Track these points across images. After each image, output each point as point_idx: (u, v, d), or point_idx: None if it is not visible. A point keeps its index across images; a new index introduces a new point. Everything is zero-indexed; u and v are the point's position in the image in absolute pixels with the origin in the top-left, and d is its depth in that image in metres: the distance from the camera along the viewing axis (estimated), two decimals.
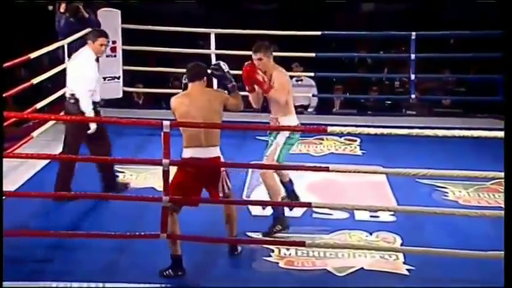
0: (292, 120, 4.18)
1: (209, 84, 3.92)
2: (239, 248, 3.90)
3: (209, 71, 3.88)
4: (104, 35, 4.72)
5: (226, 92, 3.87)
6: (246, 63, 4.11)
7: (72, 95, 4.65)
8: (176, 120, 3.72)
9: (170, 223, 3.67)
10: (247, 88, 4.14)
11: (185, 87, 3.84)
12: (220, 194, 3.78)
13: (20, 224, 4.14)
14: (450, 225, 4.20)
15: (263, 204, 4.39)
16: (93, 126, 4.61)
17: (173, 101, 3.77)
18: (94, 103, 4.66)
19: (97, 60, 4.69)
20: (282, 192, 4.25)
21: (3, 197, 4.34)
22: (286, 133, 4.13)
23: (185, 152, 3.73)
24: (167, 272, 3.65)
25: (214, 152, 3.74)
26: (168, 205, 3.65)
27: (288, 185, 4.39)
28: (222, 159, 3.80)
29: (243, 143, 5.72)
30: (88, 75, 4.60)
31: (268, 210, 4.30)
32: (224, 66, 3.91)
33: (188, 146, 3.72)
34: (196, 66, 3.85)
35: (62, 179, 4.61)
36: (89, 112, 4.58)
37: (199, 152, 3.71)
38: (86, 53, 4.68)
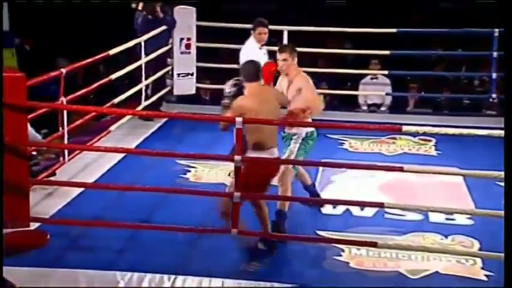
0: (309, 120, 4.12)
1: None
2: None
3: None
4: (261, 24, 5.17)
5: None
6: (267, 62, 4.11)
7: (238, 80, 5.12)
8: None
9: (264, 211, 3.76)
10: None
11: (240, 89, 3.80)
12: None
13: (97, 214, 4.28)
14: None
15: (334, 202, 4.34)
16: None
17: (241, 103, 3.68)
18: None
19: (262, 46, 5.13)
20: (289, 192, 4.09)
21: (83, 189, 4.52)
22: (299, 140, 4.08)
23: (255, 154, 3.68)
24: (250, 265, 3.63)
25: (277, 151, 3.77)
26: (239, 201, 3.67)
27: (311, 188, 4.37)
28: None
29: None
30: (242, 59, 4.93)
31: (338, 209, 4.26)
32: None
33: (262, 148, 3.67)
34: (252, 65, 3.81)
35: None
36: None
37: (273, 152, 3.71)
38: (249, 42, 5.20)
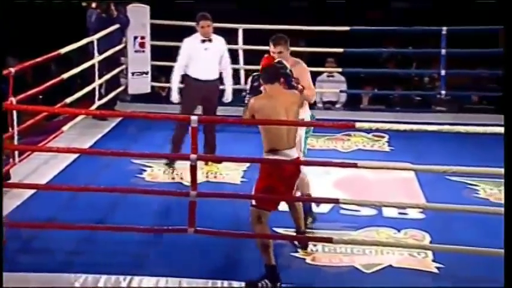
0: (308, 111, 4.20)
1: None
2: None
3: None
4: (204, 18, 5.16)
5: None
6: (264, 55, 4.10)
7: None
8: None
9: (259, 229, 3.57)
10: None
11: (256, 89, 3.72)
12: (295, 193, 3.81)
13: (50, 216, 4.20)
14: (481, 223, 4.12)
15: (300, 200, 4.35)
16: (174, 96, 5.32)
17: (252, 103, 3.63)
18: (194, 79, 5.17)
19: (209, 41, 5.14)
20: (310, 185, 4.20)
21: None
22: (308, 118, 4.16)
23: (271, 155, 3.61)
24: (263, 283, 3.49)
25: (295, 152, 3.69)
26: (195, 200, 3.66)
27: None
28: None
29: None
30: (180, 52, 5.21)
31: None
32: (286, 64, 3.89)
33: (275, 149, 3.60)
34: (272, 67, 3.74)
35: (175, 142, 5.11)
36: (172, 82, 5.29)
37: (287, 154, 3.61)
38: (193, 36, 5.20)
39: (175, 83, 5.28)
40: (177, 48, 5.49)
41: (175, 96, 5.31)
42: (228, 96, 5.39)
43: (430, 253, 3.87)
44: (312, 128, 4.31)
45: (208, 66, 5.17)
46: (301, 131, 4.11)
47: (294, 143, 3.67)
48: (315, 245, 3.96)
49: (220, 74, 5.35)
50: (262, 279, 3.52)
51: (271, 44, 4.13)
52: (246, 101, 3.74)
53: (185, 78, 5.25)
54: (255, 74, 3.80)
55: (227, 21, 6.79)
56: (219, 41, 5.23)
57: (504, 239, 2.73)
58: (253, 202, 3.63)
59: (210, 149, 5.22)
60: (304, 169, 4.04)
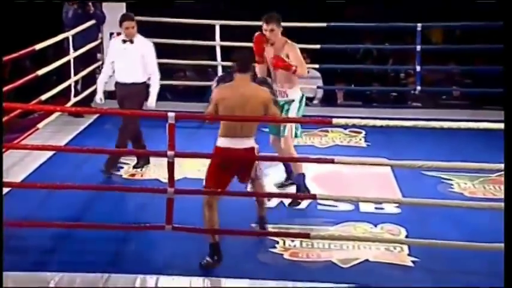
0: (299, 90, 4.38)
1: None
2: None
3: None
4: (127, 18, 4.99)
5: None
6: (256, 33, 4.14)
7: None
8: (217, 110, 3.63)
9: (208, 214, 3.65)
10: (256, 58, 4.16)
11: (230, 76, 3.72)
12: (252, 176, 3.83)
13: (25, 214, 4.15)
14: (455, 217, 4.19)
15: (272, 196, 4.40)
16: (98, 96, 5.08)
17: (215, 91, 3.65)
18: (117, 82, 5.02)
19: (131, 41, 4.94)
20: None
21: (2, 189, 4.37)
22: (297, 103, 4.32)
23: (220, 140, 3.69)
24: (205, 261, 3.62)
25: (248, 142, 3.70)
26: (173, 197, 3.65)
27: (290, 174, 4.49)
28: (256, 150, 3.76)
29: None
30: (109, 57, 5.05)
31: (273, 202, 4.32)
32: (269, 80, 4.06)
33: (224, 135, 3.68)
34: (248, 57, 3.72)
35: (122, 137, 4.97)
36: (98, 88, 5.08)
37: (234, 142, 3.65)
38: (117, 37, 5.07)
39: (100, 83, 5.05)
40: (155, 44, 5.42)
41: (98, 97, 5.05)
42: (151, 102, 4.98)
43: (405, 247, 3.91)
44: (303, 105, 4.42)
45: (127, 68, 4.88)
46: (293, 113, 4.31)
47: (250, 134, 3.69)
48: (292, 241, 3.97)
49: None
50: (204, 259, 3.63)
51: (263, 22, 4.21)
52: (210, 100, 3.74)
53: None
54: (220, 75, 3.85)
55: (204, 18, 6.80)
56: (141, 43, 4.93)
57: (504, 239, 2.76)
58: (204, 184, 3.72)
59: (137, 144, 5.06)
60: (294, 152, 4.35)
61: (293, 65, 4.21)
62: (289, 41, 4.31)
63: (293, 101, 4.38)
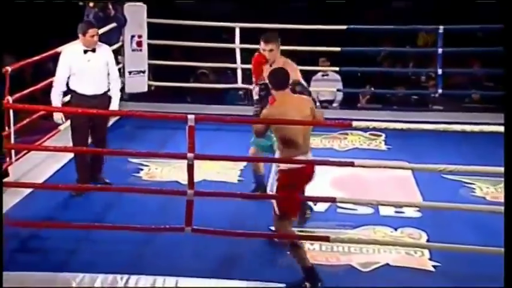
0: None
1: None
2: None
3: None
4: (93, 26, 4.64)
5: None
6: (255, 53, 4.06)
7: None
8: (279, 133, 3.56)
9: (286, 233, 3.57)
10: (254, 79, 4.12)
11: (264, 98, 3.67)
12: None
13: (47, 215, 4.20)
14: (477, 221, 4.14)
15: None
16: (56, 116, 4.63)
17: (267, 113, 3.55)
18: (81, 95, 4.59)
19: (92, 51, 4.58)
20: None
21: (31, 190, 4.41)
22: None
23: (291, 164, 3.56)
24: (304, 285, 3.50)
25: (310, 157, 3.66)
26: (192, 198, 3.66)
27: (260, 179, 4.44)
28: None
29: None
30: (59, 64, 4.60)
31: None
32: (303, 81, 3.90)
33: (289, 155, 3.56)
34: (281, 72, 3.65)
35: (78, 171, 4.66)
36: (54, 103, 4.58)
37: (302, 159, 3.56)
38: (72, 45, 4.72)
39: (57, 101, 4.60)
40: (175, 47, 5.46)
41: (59, 116, 4.65)
42: (115, 107, 4.71)
43: (426, 251, 3.88)
44: None
45: (95, 80, 4.57)
46: None
47: (309, 143, 3.65)
48: (312, 244, 3.96)
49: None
50: (302, 283, 3.51)
51: (262, 42, 4.13)
52: (255, 112, 3.70)
53: (71, 94, 4.65)
54: (261, 82, 3.77)
55: (225, 21, 6.82)
56: (103, 50, 4.65)
57: (504, 238, 2.73)
58: (277, 211, 3.58)
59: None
60: None
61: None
62: (289, 61, 4.18)
63: None
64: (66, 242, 3.90)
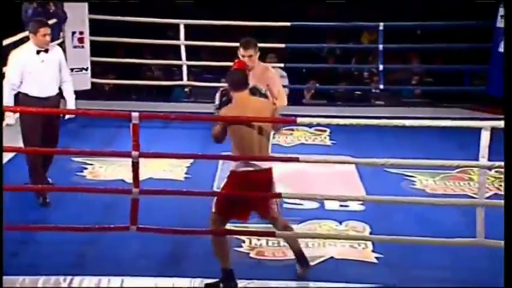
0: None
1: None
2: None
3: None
4: (45, 24, 4.47)
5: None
6: (235, 60, 3.97)
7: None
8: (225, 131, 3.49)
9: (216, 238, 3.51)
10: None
11: (228, 100, 3.57)
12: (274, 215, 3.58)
13: None
14: (418, 213, 4.27)
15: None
16: (8, 119, 4.41)
17: (223, 114, 3.50)
18: (34, 97, 4.39)
19: (45, 51, 4.40)
20: None
21: None
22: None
23: (237, 164, 3.49)
24: (220, 286, 3.48)
25: (267, 163, 3.55)
26: (138, 197, 3.62)
27: None
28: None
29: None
30: (9, 66, 4.39)
31: None
32: (261, 88, 3.82)
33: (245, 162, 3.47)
34: (238, 73, 3.59)
35: (32, 172, 4.48)
36: (6, 104, 4.28)
37: (254, 163, 3.48)
38: (24, 46, 4.52)
39: (9, 103, 4.35)
40: (118, 44, 5.33)
41: (12, 118, 4.48)
42: (72, 106, 4.63)
43: (370, 244, 3.97)
44: None
45: (48, 81, 4.40)
46: None
47: (266, 152, 3.56)
48: (258, 239, 3.99)
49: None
50: (219, 283, 3.51)
51: (241, 48, 4.03)
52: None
53: (20, 97, 4.41)
54: (222, 88, 3.70)
55: (167, 17, 6.77)
56: (56, 50, 4.52)
57: (504, 237, 2.81)
58: (213, 209, 3.56)
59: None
60: None
61: (273, 95, 3.95)
62: (270, 69, 4.12)
63: None
64: (7, 244, 3.75)
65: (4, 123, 4.39)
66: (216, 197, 3.62)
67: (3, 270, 3.07)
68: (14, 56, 4.44)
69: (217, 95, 3.74)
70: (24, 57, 4.38)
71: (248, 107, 3.48)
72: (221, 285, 3.53)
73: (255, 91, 3.76)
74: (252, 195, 3.54)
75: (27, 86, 4.38)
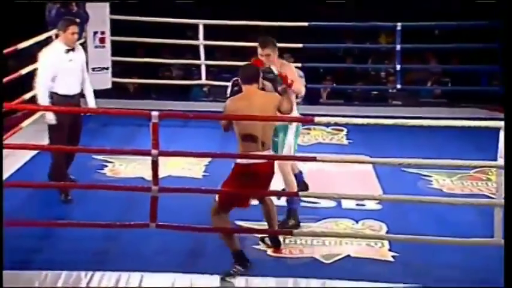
0: (296, 111, 4.18)
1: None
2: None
3: (261, 74, 3.76)
4: (74, 23, 4.59)
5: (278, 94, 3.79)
6: (252, 59, 4.04)
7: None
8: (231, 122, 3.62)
9: (217, 220, 3.64)
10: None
11: (238, 90, 3.69)
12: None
13: (10, 214, 4.13)
14: (434, 212, 4.28)
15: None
16: (49, 117, 4.48)
17: (230, 104, 3.63)
18: (63, 95, 4.49)
19: (72, 50, 4.52)
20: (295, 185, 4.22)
21: None
22: (294, 128, 4.13)
23: (245, 160, 3.60)
24: (235, 269, 3.59)
25: (270, 152, 3.68)
26: (157, 195, 3.69)
27: (299, 176, 4.43)
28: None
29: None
30: (41, 66, 4.50)
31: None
32: (274, 69, 3.89)
33: (245, 150, 3.60)
34: (251, 68, 3.73)
35: (56, 169, 4.58)
36: (42, 103, 4.45)
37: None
38: (52, 45, 4.65)
39: (46, 102, 4.45)
40: (139, 44, 5.39)
41: (50, 117, 4.49)
42: (93, 105, 4.71)
43: (386, 243, 3.98)
44: (300, 127, 4.26)
45: (75, 80, 4.54)
46: (290, 136, 4.11)
47: (268, 145, 3.67)
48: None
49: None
50: (233, 266, 3.60)
51: (259, 47, 4.09)
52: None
53: (52, 96, 4.47)
54: (235, 78, 3.78)
55: (185, 17, 6.84)
56: (80, 49, 4.64)
57: (504, 236, 2.83)
58: (217, 198, 3.67)
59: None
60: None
61: (289, 78, 3.97)
62: (285, 62, 4.21)
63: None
64: (29, 240, 3.88)
65: (46, 121, 4.52)
66: (221, 189, 3.71)
67: (3, 266, 3.14)
68: (45, 56, 4.52)
69: (230, 85, 3.83)
70: (55, 56, 4.48)
71: (253, 100, 3.62)
72: (237, 267, 3.59)
73: (268, 70, 3.85)
74: (255, 187, 3.69)
75: (57, 85, 4.48)
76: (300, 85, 4.17)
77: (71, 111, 4.48)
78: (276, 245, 3.91)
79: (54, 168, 4.58)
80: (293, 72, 4.14)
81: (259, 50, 4.10)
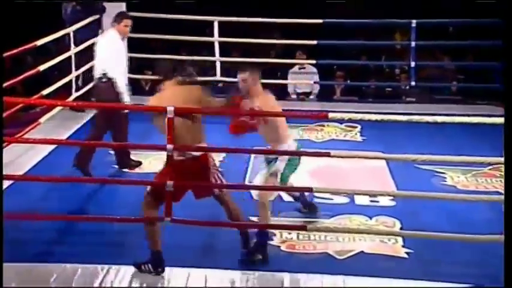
0: (288, 147, 3.95)
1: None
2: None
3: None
4: (128, 16, 4.99)
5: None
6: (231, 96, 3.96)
7: (104, 74, 4.81)
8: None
9: (149, 213, 3.64)
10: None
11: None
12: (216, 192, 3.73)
13: (28, 207, 4.23)
14: (448, 209, 4.28)
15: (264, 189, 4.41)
16: (126, 98, 4.84)
17: (152, 101, 3.71)
18: (113, 82, 4.83)
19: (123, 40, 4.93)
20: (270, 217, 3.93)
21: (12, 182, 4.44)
22: (286, 159, 3.90)
23: (175, 154, 3.63)
24: (146, 267, 3.60)
25: (205, 144, 3.70)
26: (172, 189, 3.73)
27: (301, 198, 4.33)
28: (211, 156, 3.74)
29: None
30: (105, 56, 4.82)
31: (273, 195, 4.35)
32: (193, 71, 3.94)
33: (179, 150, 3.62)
34: (165, 64, 3.81)
35: (81, 159, 4.77)
36: (125, 91, 4.84)
37: (187, 153, 3.65)
38: (112, 34, 4.90)
39: (124, 84, 4.85)
40: (155, 40, 5.42)
41: (128, 98, 4.89)
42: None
43: (400, 239, 4.00)
44: (297, 161, 3.96)
45: (125, 68, 5.03)
46: (281, 164, 3.90)
47: (199, 140, 3.69)
48: (289, 233, 4.06)
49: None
50: (146, 263, 3.61)
51: (238, 71, 3.99)
52: None
53: (107, 83, 4.78)
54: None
55: (202, 14, 6.87)
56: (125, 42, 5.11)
57: (504, 236, 2.84)
58: (148, 189, 3.69)
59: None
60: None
61: (257, 106, 3.83)
62: (263, 94, 3.95)
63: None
64: (47, 233, 3.94)
65: (125, 101, 4.83)
66: (154, 181, 3.72)
67: (3, 262, 3.16)
68: (109, 43, 4.83)
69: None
70: (116, 44, 4.83)
71: (171, 94, 3.67)
72: (149, 266, 3.59)
73: (190, 74, 3.86)
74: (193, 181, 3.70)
75: (114, 70, 4.79)
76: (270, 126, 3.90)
77: (90, 106, 4.70)
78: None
79: (82, 157, 4.75)
80: (269, 105, 3.90)
81: (238, 75, 3.96)
